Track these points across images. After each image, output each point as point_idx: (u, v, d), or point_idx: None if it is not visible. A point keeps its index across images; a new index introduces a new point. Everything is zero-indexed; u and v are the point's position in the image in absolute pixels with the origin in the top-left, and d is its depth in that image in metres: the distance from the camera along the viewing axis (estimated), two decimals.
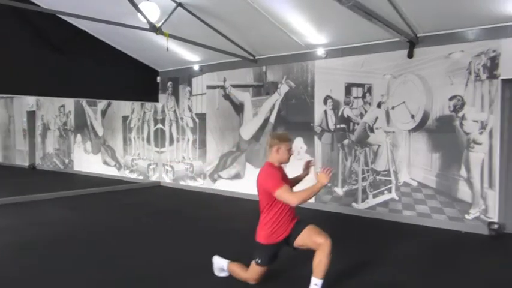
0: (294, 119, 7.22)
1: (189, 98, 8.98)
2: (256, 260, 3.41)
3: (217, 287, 3.65)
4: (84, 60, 8.10)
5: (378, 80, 6.21)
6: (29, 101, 13.71)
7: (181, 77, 9.10)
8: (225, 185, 8.33)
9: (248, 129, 7.91)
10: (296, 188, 3.39)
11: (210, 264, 3.83)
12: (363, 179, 6.44)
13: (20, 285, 3.72)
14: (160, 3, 5.90)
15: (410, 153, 5.97)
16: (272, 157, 3.44)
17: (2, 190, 8.55)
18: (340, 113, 6.65)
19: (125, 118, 10.49)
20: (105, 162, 11.10)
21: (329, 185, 6.55)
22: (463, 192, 5.50)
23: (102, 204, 7.67)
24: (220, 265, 3.74)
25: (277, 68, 7.42)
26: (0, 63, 6.81)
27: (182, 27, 6.57)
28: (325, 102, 6.81)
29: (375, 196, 6.31)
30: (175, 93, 9.26)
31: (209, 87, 8.56)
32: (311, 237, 3.29)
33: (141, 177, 10.11)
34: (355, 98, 6.47)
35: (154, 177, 9.84)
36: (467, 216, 5.46)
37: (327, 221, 5.72)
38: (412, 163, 5.95)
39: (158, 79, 9.58)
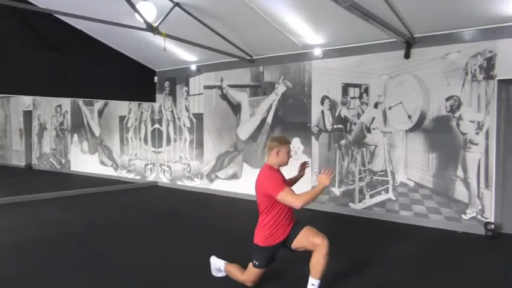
0: (291, 119, 7.23)
1: (186, 98, 8.97)
2: (254, 262, 3.41)
3: (214, 287, 3.65)
4: (81, 60, 8.07)
5: (375, 80, 6.22)
6: (26, 101, 13.65)
7: (179, 77, 9.09)
8: (222, 185, 8.33)
9: (245, 130, 7.91)
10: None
11: (206, 264, 3.83)
12: (360, 179, 6.45)
13: (18, 285, 3.71)
14: (157, 3, 5.89)
15: (407, 153, 5.98)
16: (271, 160, 3.44)
17: None
18: (337, 113, 6.66)
19: (122, 118, 10.47)
20: (102, 162, 11.07)
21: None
22: (460, 192, 5.52)
23: (99, 204, 7.65)
24: (218, 266, 3.74)
25: (275, 68, 7.42)
26: None
27: (179, 27, 6.56)
28: (322, 102, 6.81)
29: (371, 196, 6.33)
30: (173, 93, 9.25)
31: (206, 87, 8.56)
32: (308, 238, 3.29)
33: (138, 177, 10.10)
34: (352, 98, 6.48)
35: (151, 177, 9.82)
36: (463, 217, 5.48)
37: (324, 221, 5.73)
38: (409, 163, 5.97)
39: (155, 79, 9.56)
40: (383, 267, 4.11)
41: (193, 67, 8.60)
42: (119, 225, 5.97)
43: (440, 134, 5.65)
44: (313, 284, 3.20)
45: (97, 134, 11.18)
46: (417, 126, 5.86)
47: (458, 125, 5.50)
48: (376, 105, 6.24)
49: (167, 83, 9.35)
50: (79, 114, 11.72)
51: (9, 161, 14.71)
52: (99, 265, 4.18)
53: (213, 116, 8.47)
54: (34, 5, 6.84)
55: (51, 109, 12.77)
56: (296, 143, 7.04)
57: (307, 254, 3.30)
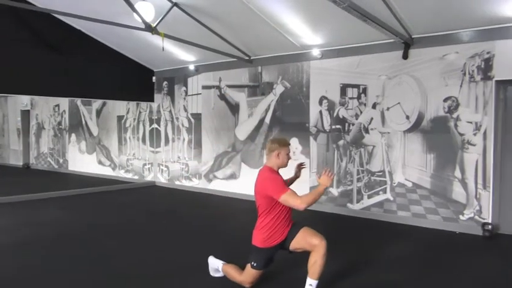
0: (289, 120, 7.23)
1: (184, 98, 8.97)
2: (252, 263, 3.41)
3: (211, 287, 3.65)
4: (79, 59, 8.05)
5: (373, 81, 6.23)
6: (24, 100, 13.62)
7: (177, 77, 9.09)
8: (220, 185, 8.33)
9: (243, 130, 7.91)
10: None
11: (204, 264, 3.83)
12: (358, 180, 6.45)
13: (17, 285, 3.70)
14: (155, 3, 5.89)
15: (405, 154, 5.99)
16: (271, 161, 3.44)
17: None
18: (335, 114, 6.66)
19: (120, 118, 10.46)
20: (100, 162, 11.06)
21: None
22: (458, 193, 5.53)
23: (97, 204, 7.64)
24: (215, 266, 3.74)
25: (273, 68, 7.43)
26: None
27: (178, 27, 6.56)
28: (320, 102, 6.82)
29: (369, 197, 6.33)
30: (171, 93, 9.25)
31: (204, 87, 8.55)
32: (306, 239, 3.30)
33: (136, 177, 10.09)
34: (350, 98, 6.49)
35: (149, 177, 9.81)
36: (461, 217, 5.50)
37: (322, 222, 5.73)
38: (407, 164, 5.98)
39: (154, 79, 9.56)
40: (381, 267, 4.12)
41: (191, 67, 8.60)
42: (117, 225, 5.96)
43: (438, 135, 5.66)
44: (311, 285, 3.20)
45: (95, 133, 11.16)
46: (415, 127, 5.87)
47: (456, 125, 5.51)
48: (374, 106, 6.24)
49: (165, 83, 9.35)
50: (77, 114, 11.71)
51: (6, 160, 14.68)
52: (98, 265, 4.17)
53: (211, 116, 8.46)
54: (33, 4, 6.83)
55: (49, 108, 12.75)
56: (294, 144, 7.05)
57: (305, 255, 3.30)
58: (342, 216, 6.43)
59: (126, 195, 8.46)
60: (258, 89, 7.68)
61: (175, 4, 6.13)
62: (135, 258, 4.38)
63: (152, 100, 9.60)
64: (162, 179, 9.54)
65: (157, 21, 6.09)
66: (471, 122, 5.39)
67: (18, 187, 9.07)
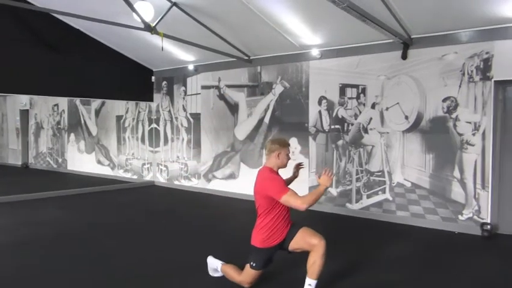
0: (288, 120, 7.23)
1: (183, 98, 8.96)
2: (251, 263, 3.40)
3: (211, 287, 3.65)
4: (78, 59, 8.05)
5: (372, 81, 6.23)
6: (22, 100, 13.61)
7: (176, 76, 9.08)
8: (219, 185, 8.33)
9: (243, 130, 7.91)
10: None
11: (203, 264, 3.83)
12: (357, 180, 6.46)
13: (16, 284, 3.69)
14: (155, 3, 5.89)
15: (404, 154, 6.00)
16: (271, 162, 3.44)
17: None
18: (334, 114, 6.67)
19: (119, 117, 10.45)
20: (99, 162, 11.05)
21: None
22: (456, 193, 5.54)
23: (96, 203, 7.64)
24: (214, 266, 3.74)
25: (272, 68, 7.43)
26: None
27: (177, 26, 6.55)
28: (319, 102, 6.82)
29: (369, 197, 6.34)
30: (170, 93, 9.24)
31: (204, 87, 8.55)
32: (305, 239, 3.30)
33: (135, 177, 10.08)
34: (349, 98, 6.49)
35: (148, 177, 9.81)
36: (460, 217, 5.50)
37: (321, 222, 5.73)
38: (406, 164, 5.98)
39: (153, 79, 9.55)
40: (380, 267, 4.12)
41: (190, 67, 8.59)
42: (116, 224, 5.96)
43: (437, 135, 5.67)
44: (310, 285, 3.20)
45: (94, 133, 11.15)
46: (414, 127, 5.87)
47: (455, 125, 5.52)
48: (373, 106, 6.25)
49: (165, 82, 9.34)
50: (76, 114, 11.70)
51: (5, 160, 14.66)
52: (97, 264, 4.17)
53: (210, 116, 8.46)
54: (32, 4, 6.82)
55: (48, 108, 12.74)
56: (293, 143, 7.05)
57: (304, 255, 3.30)
58: (341, 216, 6.43)
59: (125, 195, 8.46)
60: (257, 89, 7.68)
61: (175, 4, 6.13)
62: (134, 258, 4.38)
63: (151, 100, 9.60)
64: (161, 179, 9.54)
65: (157, 21, 6.08)
66: (470, 122, 5.40)
67: (17, 187, 9.06)
